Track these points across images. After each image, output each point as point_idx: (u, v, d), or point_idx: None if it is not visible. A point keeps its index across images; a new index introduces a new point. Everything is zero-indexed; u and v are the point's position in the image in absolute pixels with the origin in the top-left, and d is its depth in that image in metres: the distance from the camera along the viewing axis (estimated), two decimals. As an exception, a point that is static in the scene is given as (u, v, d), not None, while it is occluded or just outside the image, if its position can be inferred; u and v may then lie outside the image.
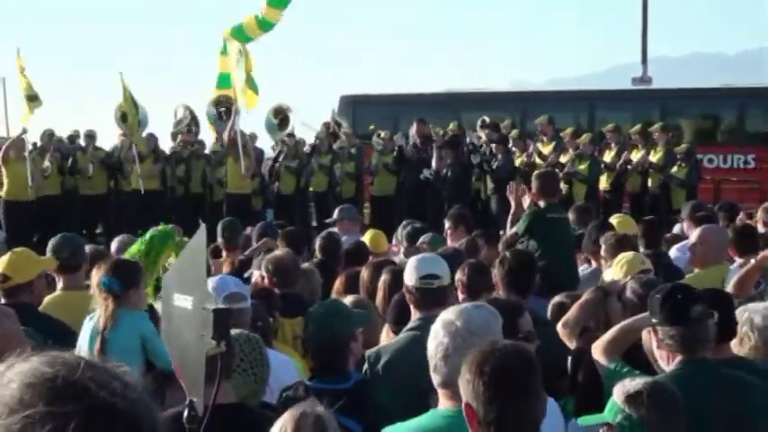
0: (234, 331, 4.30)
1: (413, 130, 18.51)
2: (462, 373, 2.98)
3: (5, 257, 6.11)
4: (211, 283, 5.40)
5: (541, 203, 8.65)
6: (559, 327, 5.22)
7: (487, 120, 18.91)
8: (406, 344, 4.86)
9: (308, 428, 2.96)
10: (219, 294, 5.33)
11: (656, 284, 5.43)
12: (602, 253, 7.50)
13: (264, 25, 17.54)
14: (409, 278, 5.06)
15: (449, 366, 3.41)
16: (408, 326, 5.00)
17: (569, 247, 8.42)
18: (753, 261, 6.38)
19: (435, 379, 3.49)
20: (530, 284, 5.96)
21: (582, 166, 16.99)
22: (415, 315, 4.98)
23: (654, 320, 4.19)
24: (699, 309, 4.14)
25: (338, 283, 6.88)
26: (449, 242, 9.01)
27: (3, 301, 5.80)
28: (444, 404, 3.48)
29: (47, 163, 17.71)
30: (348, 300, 5.70)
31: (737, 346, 4.84)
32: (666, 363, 4.12)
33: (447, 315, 3.57)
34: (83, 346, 5.37)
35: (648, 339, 4.43)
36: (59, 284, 6.55)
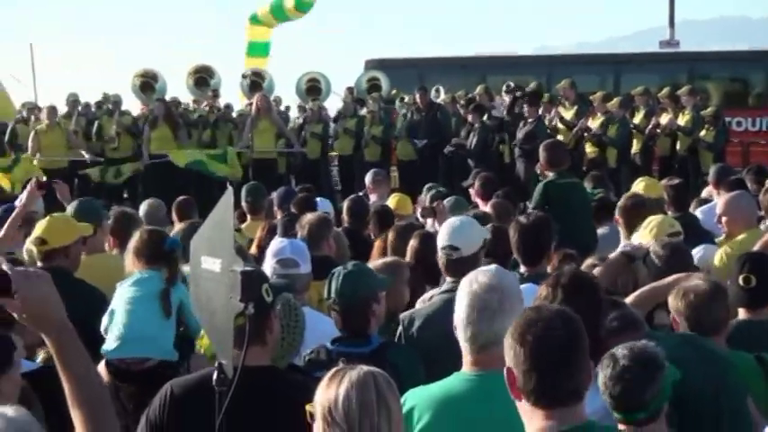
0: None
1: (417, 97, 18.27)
2: (506, 336, 2.90)
3: (43, 222, 6.17)
4: (272, 244, 5.51)
5: (550, 174, 8.62)
6: None
7: (512, 84, 18.79)
8: (440, 307, 4.92)
9: (371, 390, 2.86)
10: (274, 257, 5.39)
11: (679, 247, 5.44)
12: (617, 216, 7.41)
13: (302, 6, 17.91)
14: (438, 243, 5.23)
15: (494, 328, 3.36)
16: (442, 288, 5.09)
17: (586, 210, 8.40)
18: None
19: (472, 342, 3.46)
20: (543, 249, 5.74)
21: (612, 130, 16.87)
22: (447, 278, 5.13)
23: None
24: None
25: (378, 246, 6.97)
26: (480, 206, 9.00)
27: (39, 264, 5.86)
28: (469, 367, 3.47)
29: (72, 128, 17.79)
30: (380, 262, 5.73)
31: None
32: None
33: (482, 278, 3.53)
34: (129, 311, 5.44)
35: (675, 304, 4.45)
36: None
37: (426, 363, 4.38)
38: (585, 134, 16.93)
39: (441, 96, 18.87)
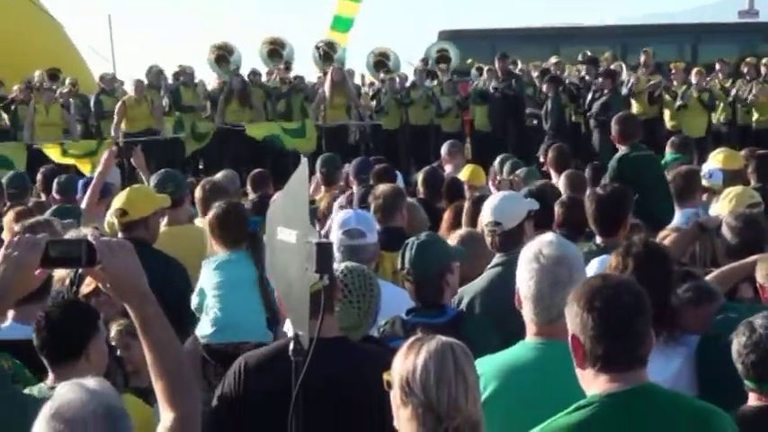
0: (349, 264, 4.36)
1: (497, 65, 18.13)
2: (570, 303, 2.93)
3: (124, 193, 6.25)
4: (338, 215, 5.54)
5: (623, 148, 8.48)
6: None
7: (589, 53, 18.64)
8: (488, 283, 4.95)
9: (448, 361, 2.84)
10: (340, 228, 5.42)
11: (753, 219, 5.31)
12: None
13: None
14: (482, 221, 5.29)
15: (566, 300, 3.37)
16: (492, 263, 5.08)
17: (662, 183, 8.26)
18: None
19: (545, 315, 3.46)
20: (620, 221, 5.71)
21: (705, 97, 16.80)
22: (495, 252, 5.17)
23: None
24: None
25: (448, 216, 6.98)
26: (553, 177, 8.92)
27: (120, 236, 5.93)
28: (535, 336, 3.49)
29: (165, 101, 18.04)
30: (458, 234, 5.74)
31: None
32: None
33: (547, 251, 3.52)
34: (224, 296, 5.51)
35: (765, 269, 4.38)
36: (163, 221, 6.65)
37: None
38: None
39: (518, 68, 18.77)
